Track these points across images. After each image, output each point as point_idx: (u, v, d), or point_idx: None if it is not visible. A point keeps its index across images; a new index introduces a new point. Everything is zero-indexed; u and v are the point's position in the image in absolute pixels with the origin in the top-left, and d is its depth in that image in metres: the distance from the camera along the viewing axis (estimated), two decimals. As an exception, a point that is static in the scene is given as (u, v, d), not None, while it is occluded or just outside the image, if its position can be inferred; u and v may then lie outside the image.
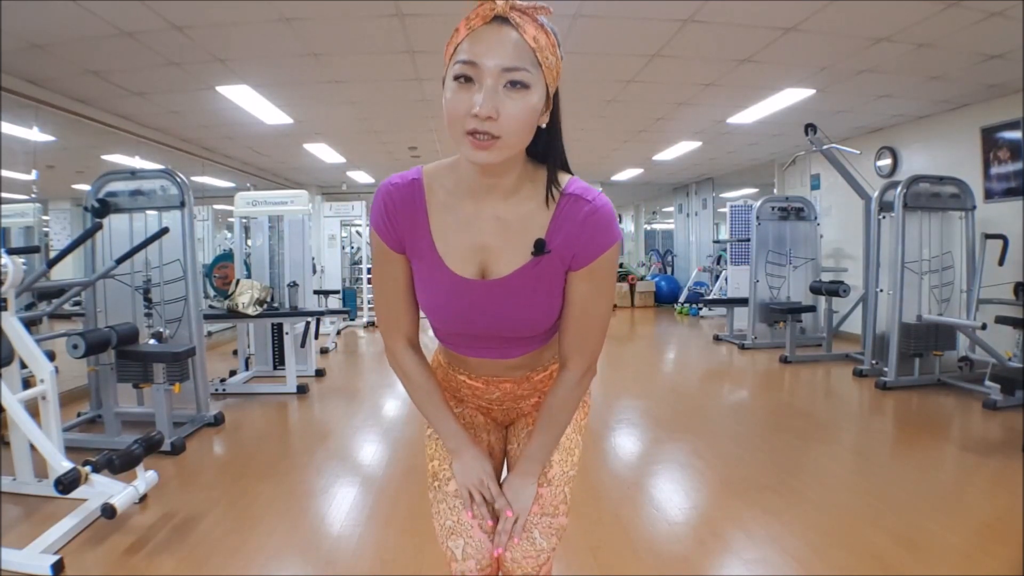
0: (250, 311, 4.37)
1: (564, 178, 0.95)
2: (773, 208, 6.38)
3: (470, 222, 0.94)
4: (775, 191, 8.37)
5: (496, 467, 1.16)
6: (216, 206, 7.84)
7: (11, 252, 2.48)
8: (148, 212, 3.67)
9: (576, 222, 0.91)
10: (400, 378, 1.09)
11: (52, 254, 3.29)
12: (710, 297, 9.04)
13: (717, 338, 6.95)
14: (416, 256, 0.97)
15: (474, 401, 1.18)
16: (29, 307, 3.68)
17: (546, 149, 0.94)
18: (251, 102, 4.84)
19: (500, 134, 0.81)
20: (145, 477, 2.44)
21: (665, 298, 10.75)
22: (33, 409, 2.41)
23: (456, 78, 0.82)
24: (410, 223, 0.95)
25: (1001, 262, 4.58)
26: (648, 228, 14.86)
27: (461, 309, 0.98)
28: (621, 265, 11.90)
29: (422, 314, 1.06)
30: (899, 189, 4.53)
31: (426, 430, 1.19)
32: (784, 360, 5.56)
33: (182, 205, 3.56)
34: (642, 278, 11.20)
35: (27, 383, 2.62)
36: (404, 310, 1.03)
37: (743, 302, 6.57)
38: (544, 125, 0.90)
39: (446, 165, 0.97)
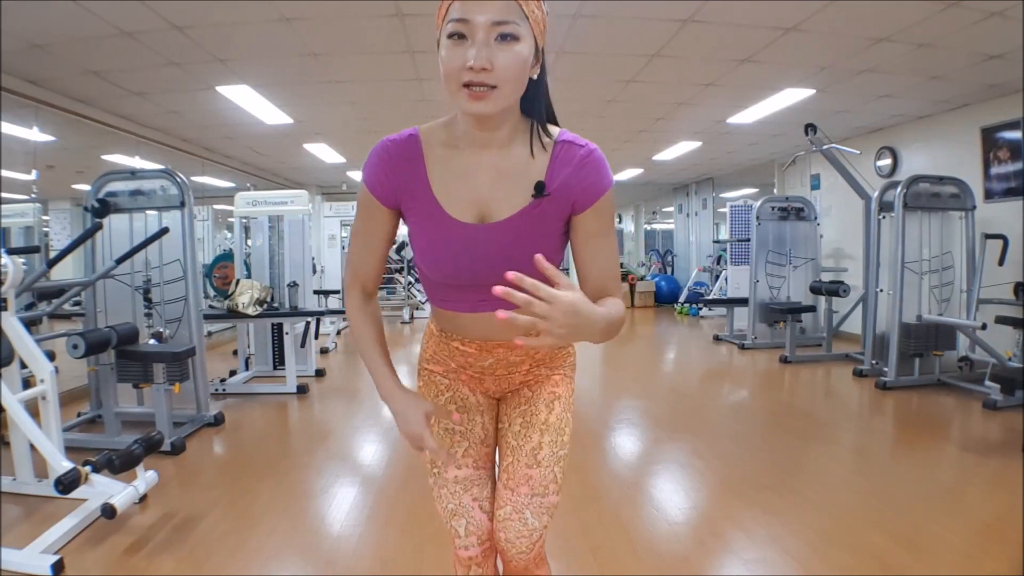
0: (250, 311, 4.37)
1: (554, 130, 1.00)
2: (773, 208, 6.38)
3: (468, 173, 0.98)
4: (775, 191, 8.38)
5: (489, 452, 1.20)
6: (216, 206, 7.85)
7: (11, 252, 2.48)
8: (148, 212, 3.67)
9: (573, 165, 0.97)
10: (349, 321, 1.11)
11: (52, 254, 3.30)
12: (710, 297, 9.04)
13: (717, 338, 6.95)
14: (413, 208, 1.00)
15: (467, 370, 1.17)
16: (29, 307, 3.68)
17: (533, 103, 0.98)
18: (251, 102, 4.84)
19: (496, 83, 0.86)
20: (145, 477, 2.44)
21: (665, 298, 10.75)
22: (33, 409, 2.41)
23: (450, 36, 0.86)
24: (408, 176, 0.98)
25: (1001, 262, 4.58)
26: (648, 228, 14.85)
27: (461, 256, 0.99)
28: (621, 265, 11.86)
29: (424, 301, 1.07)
30: (899, 189, 4.53)
31: None
32: (784, 360, 5.56)
33: (182, 205, 3.56)
34: (642, 278, 11.20)
35: (27, 383, 2.62)
36: (373, 264, 1.08)
37: (743, 302, 6.57)
38: (535, 76, 0.94)
39: (442, 123, 1.02)
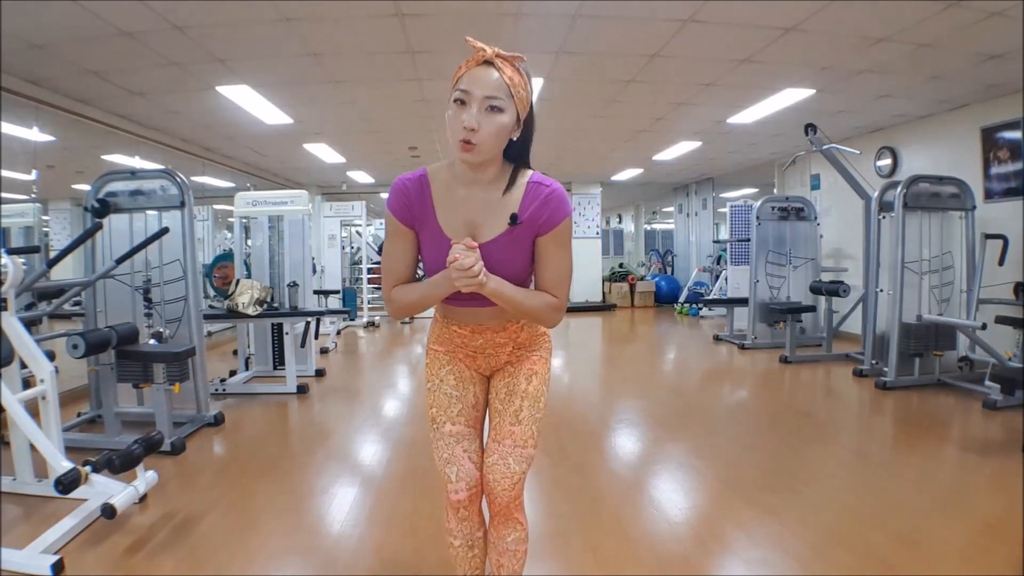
0: (250, 311, 4.37)
1: (528, 173, 1.32)
2: (773, 208, 6.38)
3: (463, 204, 1.29)
4: (775, 191, 8.38)
5: (479, 416, 1.49)
6: (216, 206, 7.84)
7: (11, 252, 2.47)
8: (148, 212, 3.66)
9: (539, 200, 1.28)
10: (399, 306, 1.35)
11: (52, 254, 3.29)
12: (710, 297, 9.04)
13: (717, 338, 6.95)
14: (424, 229, 1.32)
15: (463, 349, 1.45)
16: (29, 307, 3.68)
17: (516, 155, 1.30)
18: (251, 102, 4.84)
19: (478, 142, 1.18)
20: (145, 477, 2.44)
21: (665, 298, 10.75)
22: (33, 409, 2.40)
23: (455, 101, 1.19)
24: (420, 207, 1.31)
25: (1001, 262, 4.58)
26: (648, 228, 14.86)
27: None
28: (621, 265, 11.92)
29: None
30: (899, 189, 4.53)
31: (426, 384, 1.48)
32: (784, 360, 5.56)
33: (182, 205, 3.56)
34: (642, 278, 11.21)
35: (27, 383, 2.62)
36: (402, 270, 1.36)
37: (743, 302, 6.57)
38: (515, 138, 1.27)
39: (444, 164, 1.33)
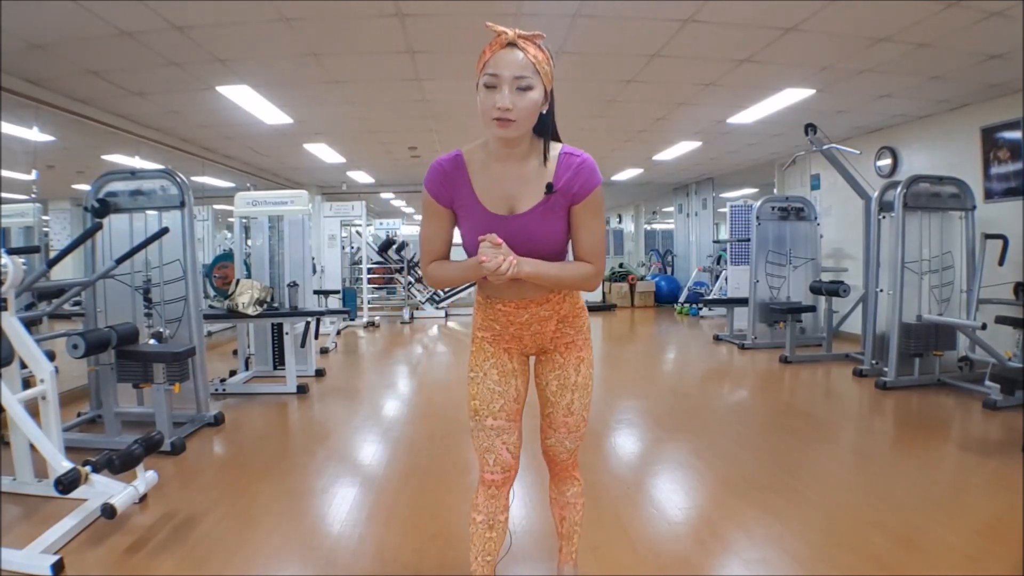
0: (250, 311, 4.37)
1: (558, 145, 1.38)
2: (773, 208, 6.38)
3: (499, 178, 1.37)
4: (775, 191, 8.37)
5: (519, 408, 1.54)
6: (216, 206, 7.85)
7: (11, 252, 2.47)
8: (148, 212, 3.66)
9: (572, 170, 1.34)
10: (437, 280, 1.46)
11: (52, 254, 3.29)
12: (710, 297, 9.04)
13: (717, 338, 6.95)
14: (462, 206, 1.39)
15: (508, 329, 1.50)
16: (29, 307, 3.68)
17: (544, 128, 1.36)
18: (251, 102, 4.84)
19: (515, 118, 1.25)
20: (145, 477, 2.44)
21: (665, 298, 10.75)
22: (33, 409, 2.40)
23: (485, 85, 1.26)
24: (457, 184, 1.38)
25: (1001, 262, 4.58)
26: (648, 228, 14.85)
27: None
28: (621, 265, 11.93)
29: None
30: (899, 189, 4.53)
31: (468, 373, 1.53)
32: (784, 360, 5.56)
33: (182, 205, 3.56)
34: (642, 278, 11.20)
35: (27, 383, 2.62)
36: (438, 248, 1.45)
37: (743, 302, 6.57)
38: (544, 111, 1.33)
39: (477, 145, 1.40)
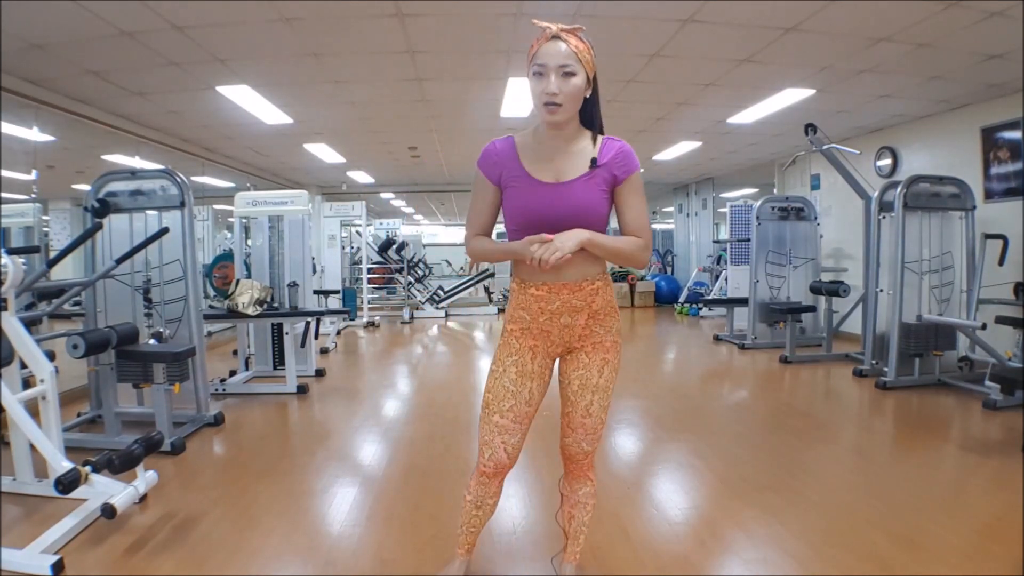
0: (250, 311, 4.37)
1: (600, 137, 1.55)
2: (773, 208, 6.38)
3: (547, 155, 1.50)
4: (775, 191, 8.37)
5: (530, 412, 1.58)
6: (216, 206, 7.84)
7: (11, 252, 2.47)
8: (148, 212, 3.66)
9: (614, 151, 1.50)
10: (477, 252, 1.58)
11: (52, 254, 3.29)
12: (710, 297, 9.04)
13: (717, 338, 6.95)
14: (510, 179, 1.50)
15: (538, 319, 1.54)
16: (29, 307, 3.68)
17: (591, 116, 1.53)
18: (251, 102, 4.84)
19: (562, 102, 1.40)
20: (145, 477, 2.44)
21: (665, 298, 10.75)
22: (33, 409, 2.40)
23: (535, 74, 1.42)
24: (507, 160, 1.51)
25: (1001, 262, 4.58)
26: (648, 228, 14.82)
27: (544, 203, 1.46)
28: (621, 265, 11.89)
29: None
30: (899, 189, 4.53)
31: (491, 365, 1.59)
32: (784, 360, 5.56)
33: (182, 205, 3.56)
34: (642, 278, 11.20)
35: (27, 383, 2.62)
36: (483, 222, 1.57)
37: (743, 302, 6.57)
38: (588, 95, 1.48)
39: (530, 130, 1.55)
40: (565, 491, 1.76)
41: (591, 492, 1.74)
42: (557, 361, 1.65)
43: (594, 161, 1.47)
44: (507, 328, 1.60)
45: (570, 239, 1.39)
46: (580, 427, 1.60)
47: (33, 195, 4.32)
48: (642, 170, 1.62)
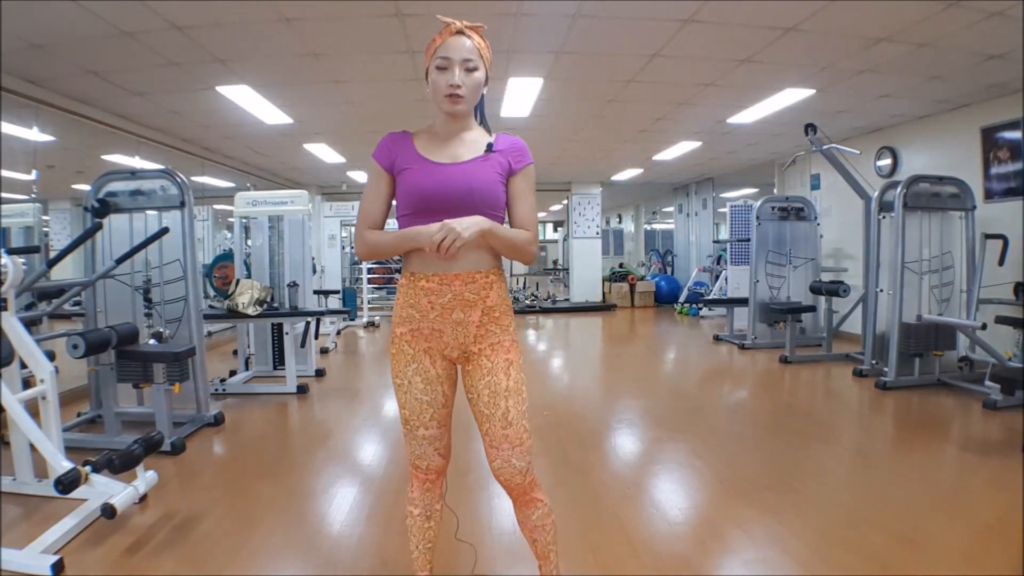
0: (250, 311, 4.37)
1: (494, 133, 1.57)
2: (773, 208, 6.38)
3: (443, 141, 1.50)
4: (775, 191, 8.37)
5: (448, 412, 1.56)
6: (216, 206, 7.84)
7: (11, 252, 2.47)
8: (148, 212, 3.66)
9: (508, 143, 1.52)
10: (369, 246, 1.50)
11: (52, 254, 3.29)
12: (710, 297, 9.04)
13: (717, 338, 6.95)
14: (404, 165, 1.46)
15: (428, 316, 1.46)
16: (29, 307, 3.68)
17: (481, 114, 1.57)
18: (251, 102, 4.84)
19: (464, 95, 1.43)
20: (145, 477, 2.44)
21: (665, 298, 10.75)
22: (33, 409, 2.40)
23: (437, 67, 1.43)
24: (401, 148, 1.49)
25: (1001, 262, 4.58)
26: (648, 228, 14.85)
27: (439, 183, 1.43)
28: (621, 265, 11.93)
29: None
30: (899, 189, 4.53)
31: (393, 380, 1.53)
32: (784, 360, 5.56)
33: (182, 205, 3.56)
34: (642, 278, 11.20)
35: (27, 383, 2.62)
36: (375, 213, 1.50)
37: (743, 302, 6.57)
38: (485, 92, 1.51)
39: (425, 126, 1.55)
40: (519, 518, 1.60)
41: (546, 512, 1.58)
42: (459, 372, 1.56)
43: (490, 146, 1.48)
44: (396, 332, 1.50)
45: (472, 225, 1.34)
46: (504, 440, 1.45)
47: (33, 195, 4.32)
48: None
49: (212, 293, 6.54)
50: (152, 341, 3.56)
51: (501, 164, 1.48)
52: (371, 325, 8.60)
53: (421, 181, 1.43)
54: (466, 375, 1.53)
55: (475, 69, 1.43)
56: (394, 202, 1.53)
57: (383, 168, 1.49)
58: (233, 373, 4.90)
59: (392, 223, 1.49)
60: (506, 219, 1.53)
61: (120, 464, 2.29)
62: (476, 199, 1.42)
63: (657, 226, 14.60)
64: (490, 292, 1.47)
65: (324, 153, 7.30)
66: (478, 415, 1.50)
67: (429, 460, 1.56)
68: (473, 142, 1.50)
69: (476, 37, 1.45)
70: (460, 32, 1.43)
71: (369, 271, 9.33)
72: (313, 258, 6.46)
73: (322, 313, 5.17)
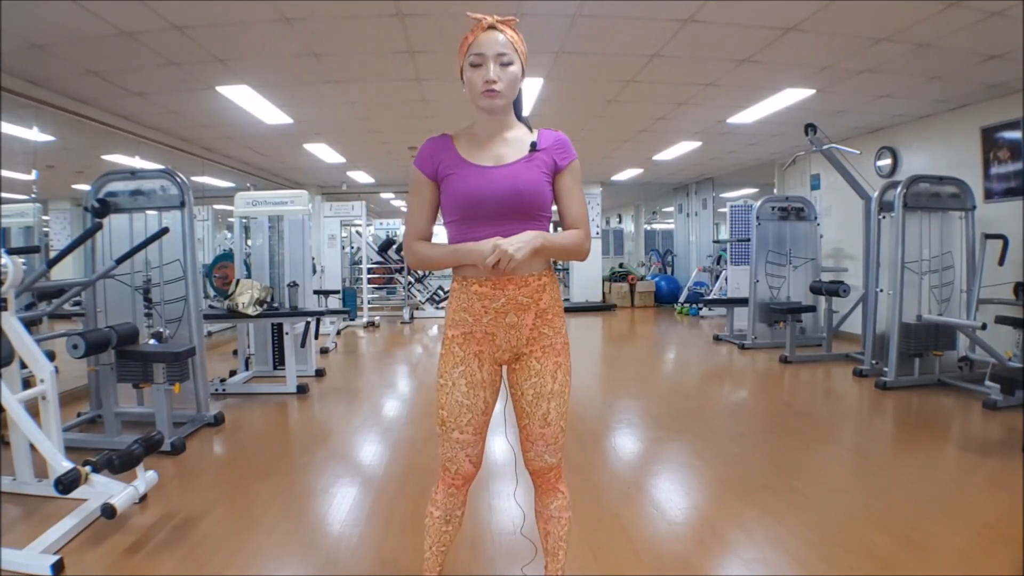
0: (250, 311, 4.37)
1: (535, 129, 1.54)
2: (773, 208, 6.38)
3: (485, 143, 1.48)
4: (775, 191, 8.37)
5: (486, 420, 1.53)
6: (216, 206, 7.85)
7: (11, 252, 2.47)
8: (148, 212, 3.66)
9: (552, 139, 1.49)
10: (420, 259, 1.51)
11: (52, 254, 3.29)
12: (710, 297, 9.04)
13: (717, 338, 6.95)
14: (448, 171, 1.45)
15: (481, 321, 1.46)
16: (29, 307, 3.68)
17: (519, 109, 1.54)
18: (251, 102, 4.84)
19: (500, 90, 1.40)
20: (145, 477, 2.44)
21: (665, 298, 10.75)
22: (33, 409, 2.40)
23: (471, 64, 1.41)
24: (443, 153, 1.48)
25: (1001, 262, 4.58)
26: (648, 228, 14.85)
27: (484, 186, 1.41)
28: (621, 265, 11.93)
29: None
30: (899, 189, 4.53)
31: (438, 379, 1.51)
32: (784, 360, 5.56)
33: (182, 205, 3.56)
34: (642, 278, 11.20)
35: (27, 383, 2.62)
36: (424, 221, 1.51)
37: (743, 302, 6.57)
38: (521, 86, 1.48)
39: (464, 127, 1.53)
40: (538, 506, 1.64)
41: (564, 505, 1.62)
42: (505, 369, 1.56)
43: (534, 145, 1.45)
44: (448, 334, 1.51)
45: (524, 245, 1.34)
46: (540, 438, 1.51)
47: (33, 195, 4.32)
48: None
49: (212, 293, 6.55)
50: (152, 341, 3.56)
51: (546, 163, 1.46)
52: (371, 325, 8.61)
53: (467, 187, 1.41)
54: (512, 372, 1.54)
55: (510, 63, 1.40)
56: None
57: (426, 176, 1.47)
58: (233, 373, 4.90)
59: (440, 230, 1.53)
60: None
61: (120, 464, 2.29)
62: (524, 202, 1.41)
63: (657, 226, 14.60)
64: (543, 295, 1.47)
65: (324, 153, 7.30)
66: (519, 410, 1.53)
67: (459, 465, 1.52)
68: (516, 141, 1.47)
69: (509, 31, 1.42)
70: (492, 27, 1.41)
71: (369, 271, 9.33)
72: (313, 258, 6.47)
73: (322, 313, 5.16)
